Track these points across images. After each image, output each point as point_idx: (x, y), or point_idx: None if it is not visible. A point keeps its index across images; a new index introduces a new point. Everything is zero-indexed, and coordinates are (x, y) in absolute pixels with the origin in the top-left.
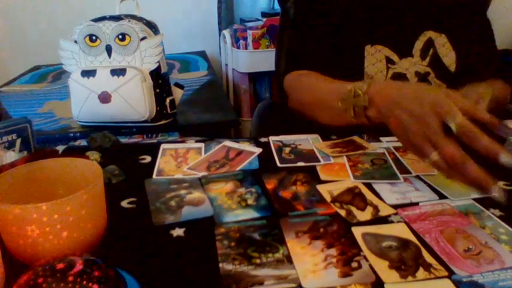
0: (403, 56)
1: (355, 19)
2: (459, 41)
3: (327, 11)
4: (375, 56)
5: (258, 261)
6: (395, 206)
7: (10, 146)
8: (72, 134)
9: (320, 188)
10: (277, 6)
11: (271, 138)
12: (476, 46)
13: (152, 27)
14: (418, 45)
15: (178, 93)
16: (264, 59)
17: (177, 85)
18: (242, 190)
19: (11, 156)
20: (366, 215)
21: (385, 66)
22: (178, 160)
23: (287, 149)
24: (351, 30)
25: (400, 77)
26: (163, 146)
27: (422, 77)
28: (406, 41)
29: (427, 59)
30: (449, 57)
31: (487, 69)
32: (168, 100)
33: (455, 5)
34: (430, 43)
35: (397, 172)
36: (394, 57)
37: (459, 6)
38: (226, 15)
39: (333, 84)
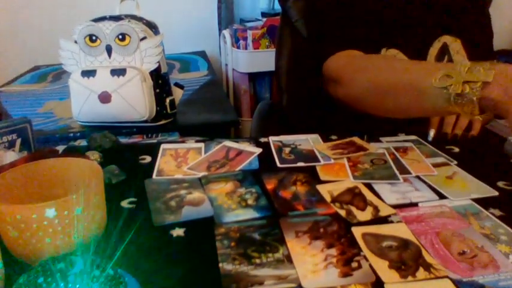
0: None
1: (371, 22)
2: (471, 47)
3: (341, 16)
4: None
5: (258, 261)
6: (395, 206)
7: (10, 146)
8: (72, 134)
9: (320, 188)
10: (277, 6)
11: (271, 139)
12: (483, 52)
13: (152, 27)
14: (432, 52)
15: (178, 93)
16: (264, 59)
17: (177, 85)
18: (242, 190)
19: (11, 156)
20: (366, 215)
21: None
22: (178, 160)
23: (287, 149)
24: (367, 33)
25: None
26: (163, 146)
27: None
28: (421, 46)
29: None
30: None
31: None
32: (168, 100)
33: (466, 9)
34: (444, 49)
35: (397, 172)
36: None
37: (469, 10)
38: (226, 15)
39: (423, 63)
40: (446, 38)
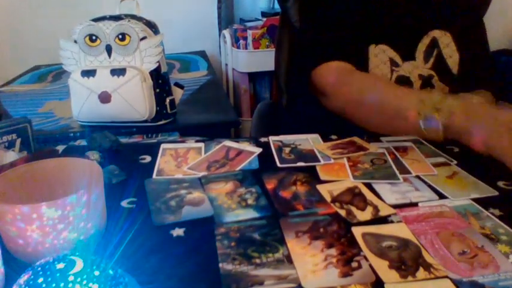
0: (406, 58)
1: (360, 17)
2: (462, 41)
3: (331, 11)
4: (378, 57)
5: (258, 261)
6: (395, 206)
7: (10, 145)
8: (72, 134)
9: (320, 188)
10: (277, 6)
11: (271, 138)
12: (476, 48)
13: (152, 27)
14: (421, 47)
15: (178, 93)
16: (264, 59)
17: (177, 85)
18: (242, 190)
19: (11, 156)
20: (366, 215)
21: (389, 69)
22: (178, 160)
23: (287, 149)
24: (355, 29)
25: (404, 80)
26: (163, 145)
27: (426, 80)
28: (410, 42)
29: (431, 61)
30: (453, 58)
31: (484, 73)
32: (168, 100)
33: (459, 5)
34: (434, 43)
35: (397, 172)
36: (397, 59)
37: (462, 7)
38: (226, 15)
39: (402, 87)
40: (435, 33)
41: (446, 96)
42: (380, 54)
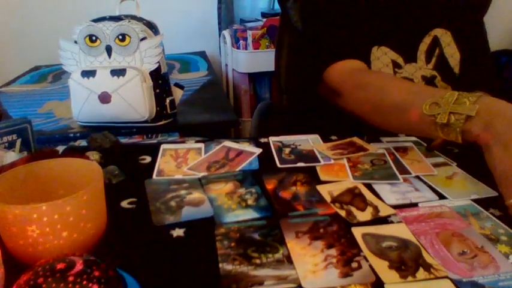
0: (408, 60)
1: (361, 18)
2: (462, 41)
3: (333, 13)
4: (381, 60)
5: (258, 261)
6: (395, 207)
7: (10, 146)
8: (72, 134)
9: (320, 188)
10: (277, 7)
11: (271, 139)
12: (476, 48)
13: (152, 27)
14: (423, 47)
15: (178, 94)
16: (264, 59)
17: (177, 85)
18: (242, 190)
19: (11, 156)
20: (365, 215)
21: (391, 71)
22: (178, 160)
23: (287, 150)
24: (357, 29)
25: None
26: (163, 146)
27: (429, 81)
28: (411, 42)
29: (433, 61)
30: (454, 57)
31: (484, 74)
32: (168, 100)
33: (459, 5)
34: (435, 42)
35: (397, 172)
36: (400, 61)
37: (462, 6)
38: (226, 16)
39: (418, 86)
40: (437, 31)
41: (462, 97)
42: (382, 57)
